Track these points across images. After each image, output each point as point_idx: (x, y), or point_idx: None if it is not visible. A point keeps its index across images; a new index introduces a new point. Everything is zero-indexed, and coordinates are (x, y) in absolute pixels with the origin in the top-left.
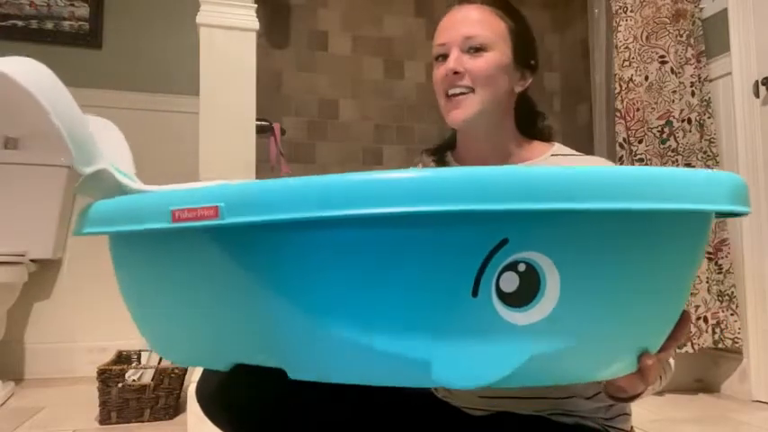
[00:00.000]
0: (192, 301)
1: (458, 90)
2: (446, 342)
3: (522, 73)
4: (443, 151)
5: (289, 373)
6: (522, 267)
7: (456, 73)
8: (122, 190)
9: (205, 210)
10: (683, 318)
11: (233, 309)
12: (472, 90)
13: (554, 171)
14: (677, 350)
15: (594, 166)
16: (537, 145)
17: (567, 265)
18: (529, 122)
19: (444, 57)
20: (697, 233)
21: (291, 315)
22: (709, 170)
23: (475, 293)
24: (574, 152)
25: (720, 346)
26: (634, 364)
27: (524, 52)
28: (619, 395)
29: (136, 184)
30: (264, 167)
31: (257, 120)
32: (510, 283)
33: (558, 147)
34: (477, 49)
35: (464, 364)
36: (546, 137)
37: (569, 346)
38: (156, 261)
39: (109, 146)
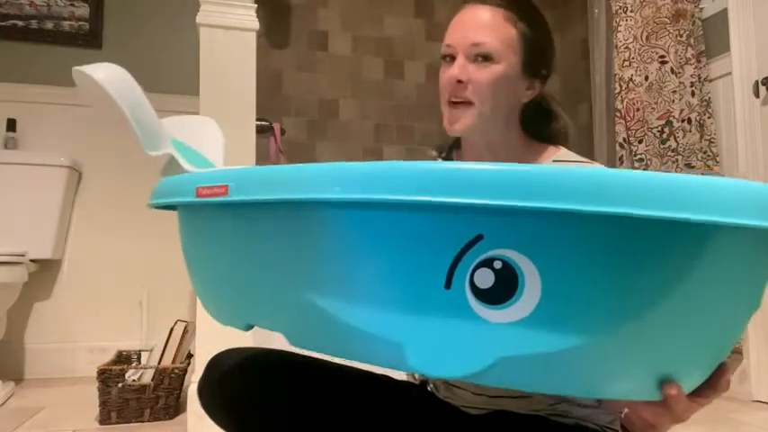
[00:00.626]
0: (221, 267)
1: (459, 99)
2: (419, 329)
3: (531, 82)
4: (451, 150)
5: (288, 340)
6: (498, 265)
7: (459, 82)
8: (185, 170)
9: (218, 188)
10: (721, 369)
11: (247, 276)
12: (472, 103)
13: (533, 168)
14: None
15: (575, 168)
16: (542, 150)
17: (549, 267)
18: (540, 125)
19: (451, 58)
20: (742, 252)
21: (285, 287)
22: (715, 175)
23: (448, 286)
24: (579, 158)
25: None
26: (653, 390)
27: (535, 61)
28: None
29: (191, 166)
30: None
31: (257, 120)
32: (485, 279)
33: (563, 152)
34: (484, 59)
35: (436, 354)
36: (558, 139)
37: (552, 352)
38: (196, 231)
39: (200, 137)
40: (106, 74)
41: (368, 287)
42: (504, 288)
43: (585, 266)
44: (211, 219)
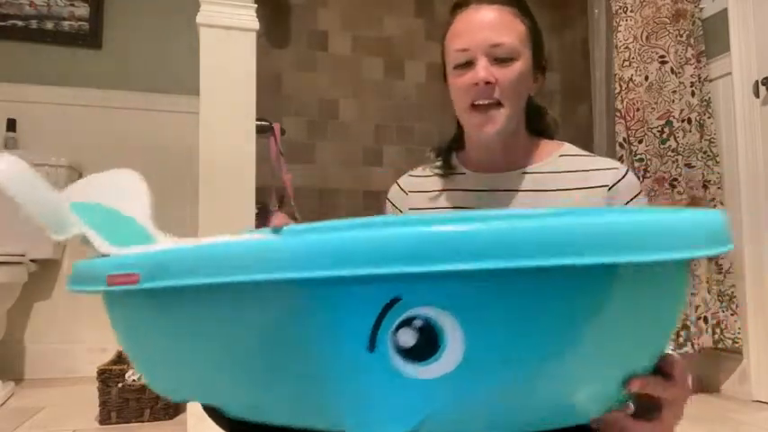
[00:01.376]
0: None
1: (486, 101)
2: (353, 393)
3: (536, 75)
4: (449, 152)
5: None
6: (418, 323)
7: (488, 83)
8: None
9: (126, 276)
10: (669, 363)
11: (177, 356)
12: (499, 102)
13: (429, 233)
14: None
15: (473, 228)
16: (545, 145)
17: (469, 320)
18: (535, 120)
19: (465, 63)
20: (645, 285)
21: (220, 368)
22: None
23: (371, 349)
24: (583, 153)
25: (720, 346)
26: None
27: (539, 54)
28: None
29: (105, 247)
30: (264, 167)
31: (257, 120)
32: (408, 338)
33: (567, 147)
34: (505, 59)
35: (370, 415)
36: (552, 133)
37: (481, 399)
38: (116, 317)
39: (127, 194)
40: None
41: (297, 362)
42: (427, 345)
43: (503, 317)
44: (130, 306)
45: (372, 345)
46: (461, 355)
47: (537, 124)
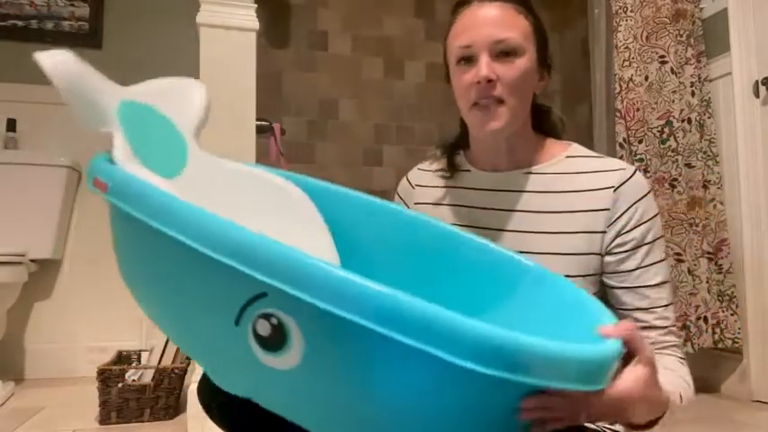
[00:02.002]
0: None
1: (488, 99)
2: (217, 351)
3: (542, 73)
4: (453, 151)
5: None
6: (274, 321)
7: (489, 81)
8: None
9: (101, 183)
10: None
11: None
12: (502, 100)
13: (314, 266)
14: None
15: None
16: (552, 145)
17: (312, 340)
18: (541, 119)
19: (468, 60)
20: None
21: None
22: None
23: (237, 323)
24: (591, 153)
25: (720, 346)
26: None
27: (544, 51)
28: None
29: (118, 153)
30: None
31: (257, 120)
32: (263, 328)
33: (574, 148)
34: (508, 54)
35: (223, 371)
36: (558, 131)
37: (310, 404)
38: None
39: (180, 102)
40: (49, 55)
41: (193, 308)
42: (274, 340)
43: (334, 352)
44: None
45: (237, 321)
46: (298, 360)
47: (543, 124)
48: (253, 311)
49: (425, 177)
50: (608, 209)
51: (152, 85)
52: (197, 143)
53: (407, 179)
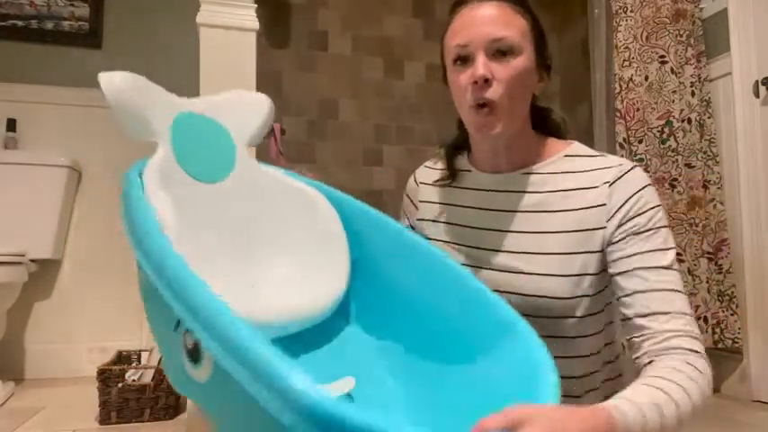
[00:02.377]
0: None
1: (485, 100)
2: (169, 347)
3: (541, 74)
4: (453, 149)
5: None
6: (194, 338)
7: (486, 81)
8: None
9: None
10: None
11: None
12: (497, 102)
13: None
14: None
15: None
16: (552, 144)
17: (216, 362)
18: (540, 119)
19: (464, 60)
20: None
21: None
22: None
23: (175, 329)
24: (591, 152)
25: (720, 346)
26: None
27: (543, 51)
28: None
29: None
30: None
31: None
32: (189, 340)
33: (575, 147)
34: (505, 53)
35: (168, 366)
36: (560, 132)
37: (221, 411)
38: None
39: (244, 115)
40: (108, 76)
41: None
42: (194, 354)
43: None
44: None
45: (176, 327)
46: (208, 376)
47: (545, 124)
48: (181, 327)
49: (431, 176)
50: (604, 204)
51: (217, 98)
52: (248, 151)
53: (414, 176)
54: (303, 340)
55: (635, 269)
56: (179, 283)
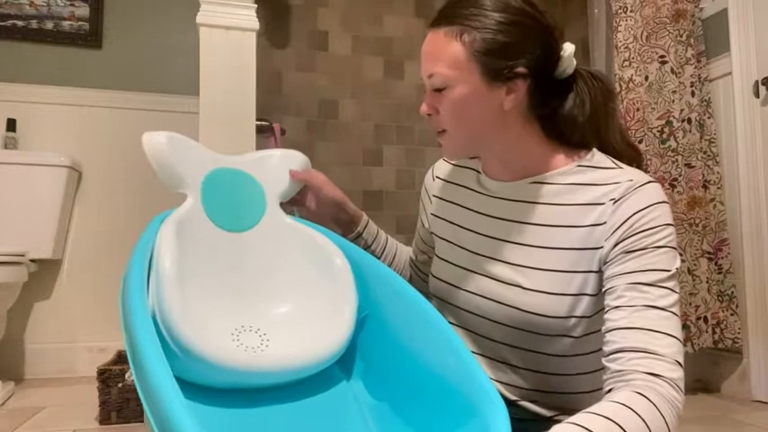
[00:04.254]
0: None
1: (439, 128)
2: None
3: (508, 86)
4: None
5: None
6: None
7: (430, 115)
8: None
9: None
10: None
11: None
12: (449, 128)
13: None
14: None
15: None
16: (563, 153)
17: None
18: (552, 127)
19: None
20: None
21: None
22: None
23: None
24: (608, 164)
25: (720, 346)
26: None
27: (499, 65)
28: None
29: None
30: None
31: (257, 120)
32: None
33: (590, 157)
34: (440, 89)
35: None
36: (580, 141)
37: None
38: None
39: (266, 172)
40: (150, 136)
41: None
42: None
43: None
44: None
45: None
46: None
47: (571, 133)
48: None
49: (446, 170)
50: (605, 222)
51: (257, 154)
52: (278, 205)
53: (432, 170)
54: (300, 388)
55: (612, 288)
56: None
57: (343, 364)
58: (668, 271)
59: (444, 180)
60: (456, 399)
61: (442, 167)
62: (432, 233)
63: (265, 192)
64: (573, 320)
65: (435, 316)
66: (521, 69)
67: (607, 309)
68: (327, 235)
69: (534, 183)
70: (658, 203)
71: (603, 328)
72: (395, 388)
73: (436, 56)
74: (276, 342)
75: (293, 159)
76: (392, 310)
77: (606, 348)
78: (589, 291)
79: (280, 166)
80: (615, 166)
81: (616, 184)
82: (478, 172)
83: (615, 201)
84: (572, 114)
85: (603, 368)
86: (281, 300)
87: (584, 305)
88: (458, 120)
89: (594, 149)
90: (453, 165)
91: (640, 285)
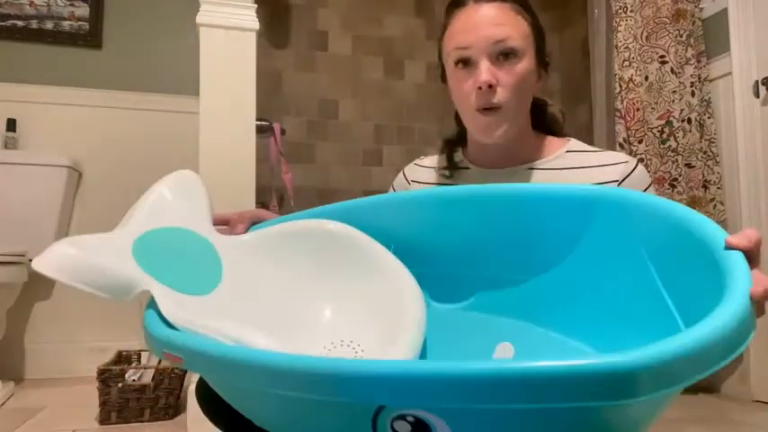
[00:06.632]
0: None
1: (490, 105)
2: None
3: (539, 73)
4: (452, 144)
5: None
6: (410, 419)
7: (490, 86)
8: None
9: (174, 358)
10: None
11: None
12: (501, 107)
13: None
14: None
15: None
16: (551, 141)
17: (458, 426)
18: (540, 117)
19: (466, 62)
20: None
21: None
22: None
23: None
24: (590, 148)
25: None
26: None
27: (543, 50)
28: None
29: (165, 308)
30: (264, 167)
31: (257, 120)
32: (402, 428)
33: (573, 143)
34: (508, 56)
35: None
36: (558, 128)
37: None
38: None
39: (180, 209)
40: (51, 263)
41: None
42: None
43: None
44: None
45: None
46: None
47: (542, 121)
48: (384, 421)
49: (422, 174)
50: None
51: (146, 209)
52: (215, 233)
53: (403, 173)
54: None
55: None
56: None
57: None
58: None
59: (423, 183)
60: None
61: (415, 171)
62: None
63: (193, 229)
64: None
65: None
66: (548, 60)
67: None
68: (313, 215)
69: (530, 168)
70: (651, 183)
71: None
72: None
73: (509, 23)
74: (367, 340)
75: (186, 182)
76: (428, 224)
77: None
78: None
79: (181, 198)
80: (593, 149)
81: (613, 165)
82: (466, 168)
83: (618, 182)
84: (544, 104)
85: None
86: (332, 306)
87: None
88: (518, 93)
89: (572, 138)
90: (426, 167)
91: None
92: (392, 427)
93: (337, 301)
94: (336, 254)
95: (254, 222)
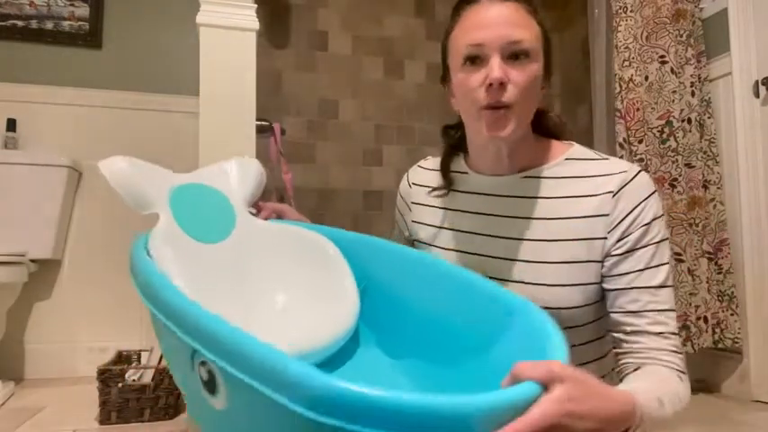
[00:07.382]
0: None
1: (499, 103)
2: (191, 382)
3: (545, 81)
4: (452, 153)
5: None
6: (209, 366)
7: (501, 84)
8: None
9: None
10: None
11: None
12: (509, 106)
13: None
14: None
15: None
16: (553, 146)
17: (229, 383)
18: (540, 121)
19: (474, 60)
20: None
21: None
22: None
23: (192, 369)
24: (592, 155)
25: (720, 346)
26: None
27: (549, 58)
28: None
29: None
30: (264, 167)
31: (257, 120)
32: (204, 373)
33: (574, 149)
34: (519, 57)
35: (191, 404)
36: (559, 133)
37: None
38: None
39: (237, 179)
40: (108, 163)
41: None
42: (209, 384)
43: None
44: None
45: (192, 367)
46: (225, 404)
47: (544, 126)
48: (196, 360)
49: (424, 177)
50: (607, 214)
51: (212, 167)
52: (247, 210)
53: (407, 177)
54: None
55: (628, 288)
56: (191, 317)
57: (355, 342)
58: (667, 264)
59: (424, 186)
60: (488, 310)
61: (417, 173)
62: (414, 241)
63: (231, 200)
64: (585, 308)
65: (437, 262)
66: (551, 69)
67: (623, 311)
68: (315, 229)
69: (528, 177)
70: (652, 194)
71: (615, 315)
72: (411, 341)
73: (524, 24)
74: (292, 334)
75: (248, 166)
76: (392, 275)
77: (616, 330)
78: (593, 279)
79: (238, 175)
80: (597, 156)
81: (610, 176)
82: (465, 173)
83: (614, 194)
84: (544, 110)
85: (618, 349)
86: (286, 297)
87: (592, 292)
88: (527, 94)
89: (574, 143)
90: (428, 169)
91: (645, 270)
92: (199, 369)
93: (293, 294)
94: (310, 258)
95: (277, 215)
